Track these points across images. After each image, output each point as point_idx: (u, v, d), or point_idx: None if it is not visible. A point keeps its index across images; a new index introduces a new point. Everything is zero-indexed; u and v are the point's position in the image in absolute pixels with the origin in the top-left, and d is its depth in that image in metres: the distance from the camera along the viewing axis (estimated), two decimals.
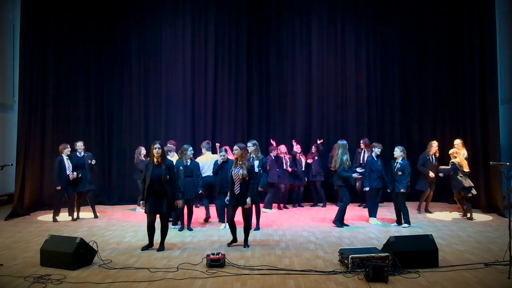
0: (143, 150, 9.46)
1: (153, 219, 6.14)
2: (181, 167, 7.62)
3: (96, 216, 8.88)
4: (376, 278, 4.71)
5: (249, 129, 11.35)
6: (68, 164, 8.60)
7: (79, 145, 8.91)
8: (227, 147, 8.40)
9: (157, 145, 6.11)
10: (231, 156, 7.67)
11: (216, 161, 7.83)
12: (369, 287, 4.60)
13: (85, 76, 10.92)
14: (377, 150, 8.20)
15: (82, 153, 8.91)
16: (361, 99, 11.44)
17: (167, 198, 6.11)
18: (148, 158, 6.36)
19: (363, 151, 9.99)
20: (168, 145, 8.99)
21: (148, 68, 11.33)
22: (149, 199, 6.06)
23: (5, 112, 11.08)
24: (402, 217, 7.87)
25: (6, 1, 11.15)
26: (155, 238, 6.25)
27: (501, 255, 5.42)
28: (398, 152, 8.03)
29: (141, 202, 6.20)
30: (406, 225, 7.80)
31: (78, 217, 8.77)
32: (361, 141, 10.13)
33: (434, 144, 9.37)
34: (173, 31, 11.35)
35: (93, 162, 8.96)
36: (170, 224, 7.26)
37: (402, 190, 7.78)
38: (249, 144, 7.97)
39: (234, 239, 6.47)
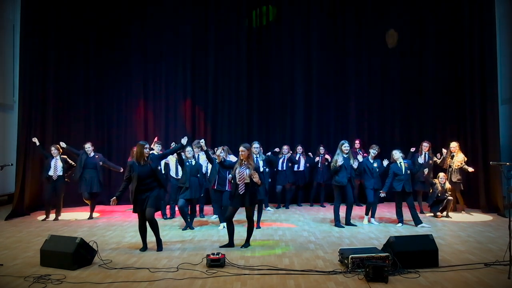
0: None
1: (143, 218, 6.10)
2: (187, 163, 7.67)
3: (91, 217, 8.85)
4: (376, 278, 4.71)
5: (249, 129, 11.35)
6: (53, 164, 8.64)
7: (88, 146, 8.95)
8: (225, 147, 8.43)
9: (147, 145, 6.13)
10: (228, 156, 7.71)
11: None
12: (369, 287, 4.60)
13: (85, 76, 10.93)
14: (373, 152, 8.21)
15: (92, 154, 8.94)
16: (361, 99, 11.45)
17: (159, 191, 6.11)
18: (132, 159, 6.35)
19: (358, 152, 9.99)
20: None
21: (148, 68, 11.34)
22: (137, 199, 6.03)
23: (5, 112, 11.08)
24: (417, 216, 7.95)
25: (6, 1, 11.16)
26: (151, 238, 6.22)
27: (501, 255, 5.41)
28: (398, 154, 8.04)
29: (113, 198, 6.04)
30: (425, 224, 7.86)
31: (91, 217, 8.89)
32: (357, 141, 10.15)
33: (425, 144, 9.36)
34: (174, 31, 11.35)
35: (101, 163, 9.02)
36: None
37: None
38: (255, 145, 8.00)
39: (230, 243, 6.31)
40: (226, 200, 7.45)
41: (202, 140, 7.23)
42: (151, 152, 6.43)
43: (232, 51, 11.38)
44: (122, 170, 9.24)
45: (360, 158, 9.03)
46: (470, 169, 8.92)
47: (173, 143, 8.81)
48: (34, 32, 9.80)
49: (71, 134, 10.52)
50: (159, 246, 6.15)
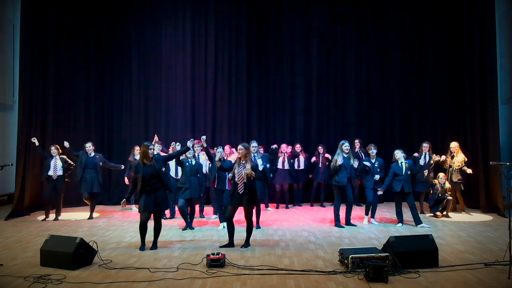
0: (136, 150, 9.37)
1: (147, 217, 6.14)
2: (187, 163, 7.68)
3: (91, 217, 8.84)
4: (376, 278, 4.71)
5: (248, 129, 11.34)
6: (52, 164, 8.62)
7: (88, 146, 8.94)
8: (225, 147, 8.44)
9: (151, 146, 6.21)
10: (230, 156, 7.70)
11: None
12: (369, 287, 4.60)
13: (85, 76, 10.93)
14: (372, 152, 8.21)
15: (93, 154, 8.93)
16: (361, 99, 11.45)
17: (164, 191, 6.21)
18: (136, 159, 6.40)
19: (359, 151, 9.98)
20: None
21: (148, 68, 11.34)
22: (142, 198, 6.09)
23: (5, 112, 11.08)
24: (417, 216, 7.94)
25: (6, 1, 11.15)
26: (149, 237, 6.22)
27: (501, 255, 5.41)
28: (400, 153, 8.03)
29: (123, 200, 6.15)
30: (425, 224, 7.84)
31: (91, 217, 8.84)
32: (357, 141, 10.15)
33: (425, 145, 9.34)
34: (173, 31, 11.36)
35: (100, 163, 9.00)
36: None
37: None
38: (253, 143, 8.00)
39: (230, 243, 6.33)
40: (226, 199, 7.45)
41: (204, 137, 7.24)
42: (155, 153, 6.48)
43: (232, 50, 11.35)
44: (123, 167, 9.29)
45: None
46: (469, 171, 8.88)
47: (173, 142, 8.83)
48: (34, 32, 9.79)
49: (71, 133, 10.50)
50: (154, 245, 6.19)
